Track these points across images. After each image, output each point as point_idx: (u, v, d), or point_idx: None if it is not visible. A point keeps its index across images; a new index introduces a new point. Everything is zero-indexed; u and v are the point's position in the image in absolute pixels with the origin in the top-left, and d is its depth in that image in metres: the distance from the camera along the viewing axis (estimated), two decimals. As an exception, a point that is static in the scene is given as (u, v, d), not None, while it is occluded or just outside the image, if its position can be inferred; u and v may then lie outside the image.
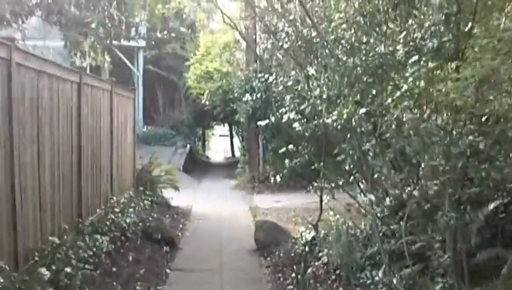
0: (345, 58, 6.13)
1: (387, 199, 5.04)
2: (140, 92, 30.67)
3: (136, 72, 30.82)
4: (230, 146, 46.11)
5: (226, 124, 42.98)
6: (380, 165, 5.91)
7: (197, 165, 30.90)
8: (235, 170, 27.60)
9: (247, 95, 19.16)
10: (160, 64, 32.41)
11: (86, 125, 8.82)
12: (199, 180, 24.25)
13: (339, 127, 6.80)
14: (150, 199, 12.76)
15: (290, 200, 17.50)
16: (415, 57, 5.14)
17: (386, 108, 5.42)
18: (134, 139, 13.71)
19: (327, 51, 6.91)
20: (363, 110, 5.61)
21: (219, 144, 55.28)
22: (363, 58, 5.64)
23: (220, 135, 57.15)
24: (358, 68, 5.71)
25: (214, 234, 11.81)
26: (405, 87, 4.98)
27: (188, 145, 29.60)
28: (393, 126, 5.69)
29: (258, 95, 18.90)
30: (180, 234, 11.63)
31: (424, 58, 5.15)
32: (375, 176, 6.32)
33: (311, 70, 7.23)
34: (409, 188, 5.03)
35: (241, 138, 39.34)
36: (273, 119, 9.05)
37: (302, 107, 7.56)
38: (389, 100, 5.17)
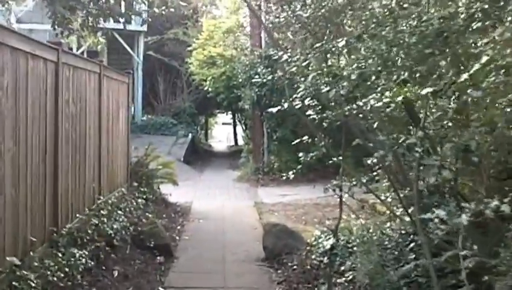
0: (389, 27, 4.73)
1: (464, 216, 3.65)
2: (140, 79, 29.34)
3: (136, 58, 29.42)
4: (233, 134, 44.92)
5: (230, 112, 41.77)
6: (435, 165, 4.47)
7: (199, 155, 29.60)
8: (238, 159, 26.34)
9: (256, 77, 17.75)
10: (161, 51, 31.05)
11: (65, 113, 7.45)
12: (201, 172, 22.91)
13: (378, 114, 5.40)
14: (144, 196, 11.41)
15: (297, 194, 16.20)
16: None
17: (461, 87, 3.97)
18: (129, 129, 12.34)
19: (366, 15, 5.49)
20: (427, 90, 4.15)
21: (222, 133, 54.05)
22: (416, 23, 4.27)
23: (223, 123, 56.15)
24: (411, 37, 4.31)
25: (216, 238, 10.45)
26: (484, 58, 3.57)
27: (190, 135, 28.25)
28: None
29: (269, 77, 17.47)
30: (177, 237, 10.28)
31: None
32: (431, 180, 4.85)
33: (341, 42, 5.80)
34: (495, 203, 3.61)
35: (244, 126, 38.07)
36: (285, 105, 7.64)
37: (325, 90, 6.11)
38: (465, 76, 3.73)
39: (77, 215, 7.78)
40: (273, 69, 17.67)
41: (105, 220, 8.14)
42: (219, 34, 25.40)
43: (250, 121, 25.01)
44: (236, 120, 42.63)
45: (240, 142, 39.93)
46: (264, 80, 17.99)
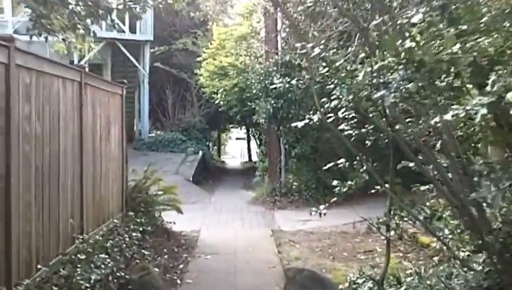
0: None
1: None
2: (146, 92, 27.62)
3: (142, 70, 27.69)
4: (247, 150, 43.15)
5: (243, 127, 40.04)
6: None
7: (211, 173, 27.72)
8: (253, 177, 24.48)
9: (275, 79, 15.88)
10: (169, 62, 29.41)
11: (23, 132, 5.63)
12: (211, 193, 21.00)
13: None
14: (142, 228, 9.53)
15: (320, 219, 14.17)
16: None
17: None
18: (124, 149, 10.51)
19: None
20: None
21: (236, 148, 52.27)
22: None
23: (237, 138, 54.68)
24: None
25: (226, 280, 8.51)
26: None
27: (200, 152, 26.39)
28: None
29: (289, 84, 15.63)
30: (178, 281, 8.36)
31: None
32: None
33: (417, 16, 3.92)
34: None
35: (258, 142, 36.23)
36: (315, 118, 5.78)
37: (377, 95, 4.20)
38: None
39: (41, 265, 5.92)
40: (291, 78, 15.87)
41: (81, 268, 6.29)
42: (231, 42, 23.58)
43: (265, 136, 23.23)
44: (251, 135, 40.96)
45: (254, 157, 38.15)
46: (281, 90, 16.14)
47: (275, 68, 16.94)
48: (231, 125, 41.66)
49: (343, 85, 5.18)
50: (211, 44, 25.66)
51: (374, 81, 4.34)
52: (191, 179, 21.00)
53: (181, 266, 9.22)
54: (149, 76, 28.35)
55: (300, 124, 5.85)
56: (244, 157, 45.25)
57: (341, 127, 6.58)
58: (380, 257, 9.90)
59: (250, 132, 39.94)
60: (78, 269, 6.14)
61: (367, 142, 6.28)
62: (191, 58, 28.38)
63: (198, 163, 24.23)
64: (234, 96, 23.25)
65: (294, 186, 17.57)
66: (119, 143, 9.97)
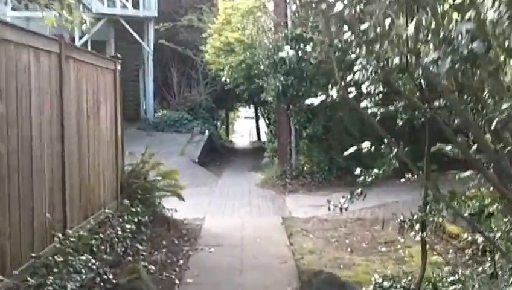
0: None
1: None
2: (151, 70, 26.59)
3: (146, 47, 26.62)
4: (256, 129, 42.10)
5: (251, 106, 38.94)
6: None
7: (218, 154, 26.73)
8: (262, 158, 23.46)
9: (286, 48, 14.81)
10: (175, 39, 28.12)
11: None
12: (218, 175, 19.99)
13: None
14: (137, 218, 8.51)
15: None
16: None
17: None
18: (119, 128, 9.47)
19: None
20: None
21: (244, 127, 51.17)
22: None
23: (245, 117, 53.57)
24: None
25: (231, 280, 7.45)
26: None
27: (207, 132, 25.34)
28: None
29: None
30: (177, 280, 7.33)
31: None
32: None
33: None
34: None
35: (267, 121, 35.07)
36: (333, 93, 4.71)
37: (428, 59, 3.10)
38: None
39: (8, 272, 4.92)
40: (302, 51, 14.77)
41: (57, 273, 5.29)
42: (237, 17, 22.34)
43: (274, 116, 22.14)
44: (259, 114, 39.83)
45: (263, 137, 37.11)
46: (291, 65, 15.07)
47: (284, 42, 15.79)
48: (239, 104, 40.54)
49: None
50: (217, 19, 24.46)
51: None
52: (196, 160, 20.02)
53: (181, 261, 8.17)
54: (153, 54, 27.30)
55: (315, 100, 4.80)
56: (252, 136, 44.27)
57: (363, 104, 5.53)
58: (404, 249, 8.88)
59: (258, 111, 38.89)
60: (51, 276, 5.13)
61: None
62: (196, 35, 27.16)
63: (205, 143, 23.23)
64: (241, 74, 22.05)
65: (305, 169, 16.55)
66: (112, 124, 8.93)
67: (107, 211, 8.06)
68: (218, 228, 10.63)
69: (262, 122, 39.94)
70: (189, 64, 28.73)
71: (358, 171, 5.54)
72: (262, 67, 16.61)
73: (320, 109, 16.02)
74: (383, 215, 11.52)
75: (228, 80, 23.19)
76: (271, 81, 15.95)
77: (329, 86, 4.82)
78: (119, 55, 9.64)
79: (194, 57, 27.98)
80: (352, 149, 5.34)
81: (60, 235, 6.02)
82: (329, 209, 5.50)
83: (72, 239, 6.11)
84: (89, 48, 24.48)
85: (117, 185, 9.11)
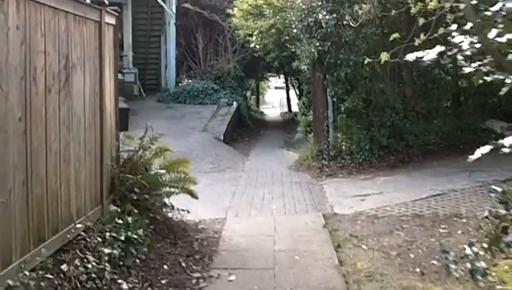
0: None
1: None
2: (173, 36, 24.20)
3: (168, 11, 24.18)
4: (286, 100, 39.78)
5: (282, 75, 36.55)
6: None
7: (247, 128, 24.52)
8: (294, 132, 21.19)
9: (320, 16, 12.36)
10: (200, 3, 25.84)
11: None
12: (246, 154, 17.67)
13: None
14: (126, 233, 6.14)
15: (381, 192, 10.98)
16: None
17: None
18: (107, 106, 7.17)
19: None
20: None
21: (275, 97, 48.82)
22: None
23: (276, 88, 51.40)
24: None
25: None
26: None
27: (235, 103, 22.98)
28: None
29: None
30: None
31: None
32: None
33: None
34: None
35: (298, 92, 32.66)
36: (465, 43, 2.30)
37: None
38: None
39: None
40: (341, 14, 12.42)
41: None
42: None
43: (307, 86, 19.76)
44: (290, 84, 37.55)
45: (295, 108, 34.77)
46: (328, 29, 12.64)
47: (319, 3, 13.30)
48: (269, 74, 38.13)
49: None
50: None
51: None
52: (221, 137, 17.71)
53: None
54: (178, 19, 25.00)
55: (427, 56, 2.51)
56: (283, 107, 42.08)
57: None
58: (489, 268, 6.40)
59: (289, 81, 36.57)
60: None
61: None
62: (224, -2, 24.99)
63: (232, 117, 20.88)
64: (271, 39, 19.92)
65: (344, 148, 14.11)
66: (95, 99, 6.58)
67: (80, 225, 5.73)
68: (242, 235, 8.27)
69: (292, 93, 37.64)
70: (217, 30, 26.54)
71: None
72: (295, 30, 14.13)
73: (359, 80, 13.66)
74: (444, 211, 9.18)
75: (257, 46, 21.01)
76: (305, 47, 13.53)
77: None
78: (106, 1, 7.10)
79: (221, 22, 25.69)
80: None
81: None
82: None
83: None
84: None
85: (101, 184, 6.77)
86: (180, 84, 24.96)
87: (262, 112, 40.39)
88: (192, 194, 8.19)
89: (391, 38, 6.19)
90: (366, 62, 7.66)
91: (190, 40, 26.11)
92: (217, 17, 25.54)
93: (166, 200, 8.10)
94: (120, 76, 21.38)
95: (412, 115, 14.57)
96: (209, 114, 20.58)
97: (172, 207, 8.18)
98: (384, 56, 5.91)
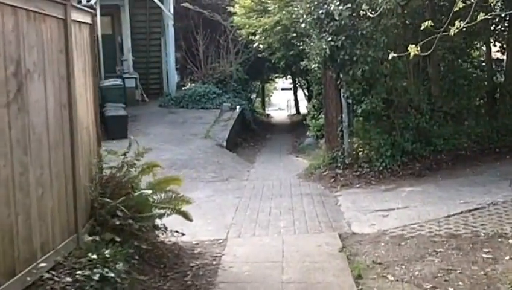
0: None
1: None
2: (171, 38, 22.99)
3: (166, 12, 22.99)
4: (294, 102, 38.61)
5: (289, 76, 35.37)
6: None
7: (251, 132, 23.31)
8: (302, 135, 20.06)
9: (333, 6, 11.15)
10: (200, 3, 24.73)
11: None
12: (251, 161, 16.49)
13: None
14: (101, 270, 4.93)
15: (406, 206, 9.75)
16: None
17: None
18: (85, 117, 6.05)
19: None
20: None
21: (282, 99, 47.80)
22: None
23: (282, 89, 50.36)
24: None
25: None
26: None
27: (238, 107, 21.78)
28: None
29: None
30: None
31: None
32: None
33: None
34: None
35: (306, 93, 31.42)
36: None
37: None
38: None
39: None
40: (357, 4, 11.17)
41: None
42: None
43: (317, 87, 18.58)
44: (297, 85, 36.43)
45: (303, 109, 33.56)
46: (342, 21, 11.41)
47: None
48: (275, 75, 36.93)
49: None
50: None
51: None
52: (224, 143, 16.54)
53: None
54: (177, 20, 23.84)
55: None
56: (291, 109, 40.80)
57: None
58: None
59: (297, 82, 35.41)
60: None
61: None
62: (226, -3, 23.91)
63: (235, 122, 19.70)
64: (276, 38, 18.73)
65: (361, 155, 12.86)
66: (61, 112, 5.38)
67: (44, 264, 4.60)
68: (245, 261, 7.05)
69: (301, 94, 36.52)
70: (218, 30, 25.32)
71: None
72: (303, 25, 12.79)
73: (379, 78, 12.40)
74: (484, 230, 7.94)
75: (261, 45, 19.89)
76: (315, 43, 12.22)
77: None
78: (92, 5, 6.01)
79: (222, 22, 24.55)
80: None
81: None
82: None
83: None
84: (98, 14, 21.23)
85: (76, 211, 5.57)
86: (183, 88, 23.87)
87: (268, 115, 39.25)
88: (186, 216, 6.99)
89: (422, 28, 5.50)
90: (390, 57, 6.63)
91: (190, 42, 24.96)
92: (218, 16, 24.42)
93: (158, 221, 6.97)
94: (119, 81, 20.45)
95: (439, 116, 13.17)
96: (211, 119, 19.45)
97: (166, 229, 7.05)
98: (413, 50, 5.36)
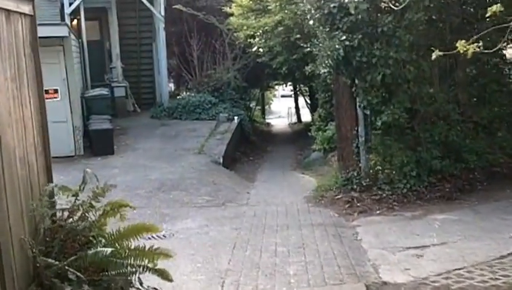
0: None
1: None
2: (163, 43, 21.14)
3: (157, 14, 21.16)
4: (295, 109, 36.93)
5: (290, 83, 33.68)
6: None
7: (251, 145, 21.57)
8: (306, 146, 18.85)
9: None
10: (194, 5, 23.02)
11: None
12: (250, 180, 14.63)
13: None
14: None
15: (445, 242, 7.84)
16: None
17: None
18: (21, 145, 4.26)
19: None
20: None
21: (282, 106, 46.59)
22: None
23: (282, 96, 49.15)
24: None
25: None
26: None
27: (236, 118, 19.94)
28: None
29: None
30: None
31: None
32: None
33: None
34: None
35: (308, 100, 29.59)
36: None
37: None
38: None
39: None
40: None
41: None
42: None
43: (324, 95, 16.76)
44: (298, 92, 34.76)
45: (304, 117, 31.91)
46: (358, 16, 9.60)
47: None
48: (275, 82, 35.23)
49: None
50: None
51: None
52: (220, 160, 14.69)
53: None
54: (170, 23, 22.20)
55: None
56: (291, 117, 39.49)
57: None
58: None
59: (297, 89, 33.71)
60: None
61: None
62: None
63: (233, 135, 17.85)
64: (278, 40, 17.02)
65: (381, 175, 10.99)
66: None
67: None
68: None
69: (302, 102, 34.83)
70: (214, 34, 23.53)
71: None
72: (311, 22, 10.94)
73: (401, 84, 10.55)
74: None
75: (261, 49, 18.21)
76: (326, 43, 10.34)
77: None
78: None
79: (218, 25, 22.79)
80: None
81: None
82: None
83: None
84: (83, 18, 19.56)
85: (3, 280, 3.77)
86: (180, 97, 22.14)
87: (268, 124, 37.53)
88: (164, 276, 5.09)
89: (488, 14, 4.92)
90: (433, 57, 4.93)
91: (184, 47, 23.21)
92: (213, 19, 22.63)
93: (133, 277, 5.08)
94: (106, 91, 18.74)
95: (468, 127, 11.36)
96: (206, 132, 17.61)
97: (141, 284, 5.15)
98: (471, 47, 4.86)
